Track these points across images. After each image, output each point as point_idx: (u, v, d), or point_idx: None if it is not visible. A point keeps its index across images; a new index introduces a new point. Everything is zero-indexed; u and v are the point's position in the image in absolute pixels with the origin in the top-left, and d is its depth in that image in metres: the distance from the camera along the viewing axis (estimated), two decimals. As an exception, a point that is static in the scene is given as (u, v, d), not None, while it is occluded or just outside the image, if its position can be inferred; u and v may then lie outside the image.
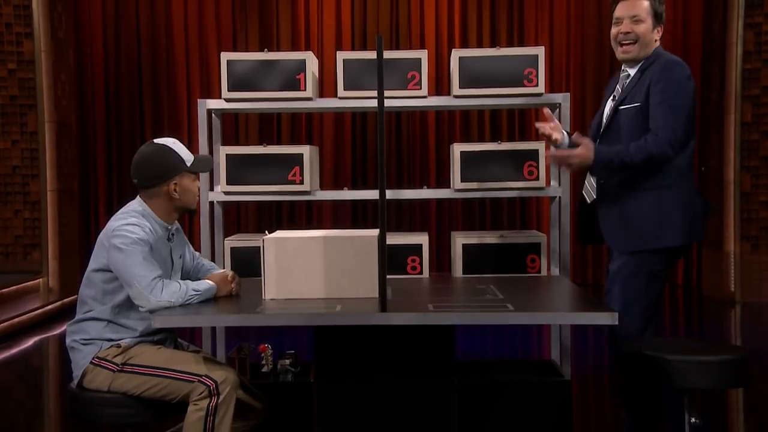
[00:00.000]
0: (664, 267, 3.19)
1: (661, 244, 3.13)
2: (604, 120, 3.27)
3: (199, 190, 3.11)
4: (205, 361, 2.90)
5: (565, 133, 3.43)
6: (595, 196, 3.27)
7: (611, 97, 3.31)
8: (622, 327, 3.05)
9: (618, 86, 3.29)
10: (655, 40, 3.20)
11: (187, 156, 3.02)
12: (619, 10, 3.22)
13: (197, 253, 3.26)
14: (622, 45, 3.21)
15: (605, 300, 3.25)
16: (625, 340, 3.16)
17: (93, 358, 2.88)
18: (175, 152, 3.00)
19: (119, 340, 2.90)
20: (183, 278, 3.09)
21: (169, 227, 3.03)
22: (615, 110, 3.21)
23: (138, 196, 3.02)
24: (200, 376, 2.80)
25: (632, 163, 3.06)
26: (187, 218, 4.81)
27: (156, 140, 3.06)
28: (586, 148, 3.12)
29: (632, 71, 3.24)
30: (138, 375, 2.84)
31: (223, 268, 3.63)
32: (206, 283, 2.95)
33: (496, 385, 3.55)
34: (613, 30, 3.25)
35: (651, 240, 3.13)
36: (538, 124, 3.42)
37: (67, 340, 2.98)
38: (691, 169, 3.21)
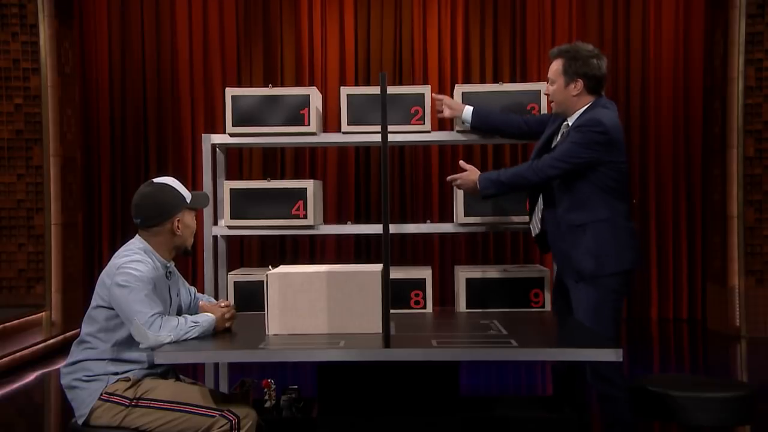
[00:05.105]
0: (618, 293, 3.38)
1: (600, 271, 3.33)
2: None
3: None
4: (223, 396, 2.91)
5: (467, 108, 3.79)
6: (537, 231, 3.58)
7: (552, 142, 3.54)
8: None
9: (558, 133, 3.53)
10: (574, 96, 3.43)
11: (186, 193, 3.06)
12: None
13: (193, 288, 3.26)
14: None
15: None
16: (604, 372, 3.31)
17: (102, 394, 2.87)
18: (176, 190, 3.03)
19: (126, 372, 2.90)
20: (181, 314, 3.08)
21: (168, 265, 3.05)
22: None
23: (138, 235, 3.04)
24: (222, 410, 2.80)
25: (514, 185, 3.47)
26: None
27: (154, 180, 3.09)
28: (471, 172, 3.57)
29: (570, 121, 3.47)
30: (154, 410, 2.83)
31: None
32: (206, 316, 2.95)
33: (501, 421, 3.52)
34: None
35: (588, 271, 3.34)
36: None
37: (65, 380, 2.96)
38: (623, 201, 3.43)
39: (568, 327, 3.26)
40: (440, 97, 3.90)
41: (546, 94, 3.59)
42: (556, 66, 3.47)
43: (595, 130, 3.32)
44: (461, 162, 3.66)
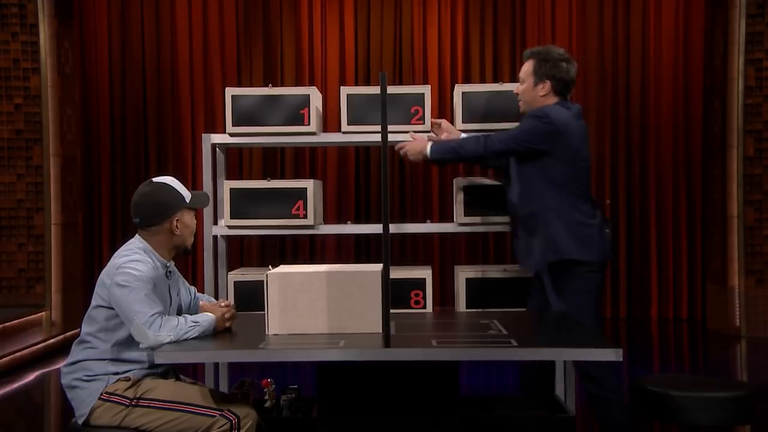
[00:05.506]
0: (592, 291, 3.52)
1: (551, 258, 3.48)
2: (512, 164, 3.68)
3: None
4: (223, 396, 2.91)
5: (463, 136, 3.81)
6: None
7: None
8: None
9: None
10: (541, 96, 3.58)
11: (186, 192, 3.06)
12: None
13: (193, 288, 3.26)
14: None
15: None
16: (592, 372, 3.41)
17: (102, 394, 2.87)
18: (175, 189, 3.03)
19: (126, 372, 2.90)
20: (181, 314, 3.08)
21: (168, 264, 3.04)
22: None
23: (137, 234, 3.04)
24: (222, 410, 2.81)
25: (465, 154, 3.61)
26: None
27: (154, 179, 3.08)
28: (418, 141, 3.69)
29: None
30: (154, 409, 2.83)
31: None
32: (206, 316, 2.95)
33: (500, 421, 3.52)
34: None
35: (541, 259, 3.52)
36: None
37: (66, 380, 2.96)
38: (577, 196, 3.52)
39: (568, 327, 3.26)
40: (438, 121, 3.93)
41: (516, 93, 3.71)
42: (527, 66, 3.62)
43: (541, 120, 3.47)
44: (411, 133, 3.80)
